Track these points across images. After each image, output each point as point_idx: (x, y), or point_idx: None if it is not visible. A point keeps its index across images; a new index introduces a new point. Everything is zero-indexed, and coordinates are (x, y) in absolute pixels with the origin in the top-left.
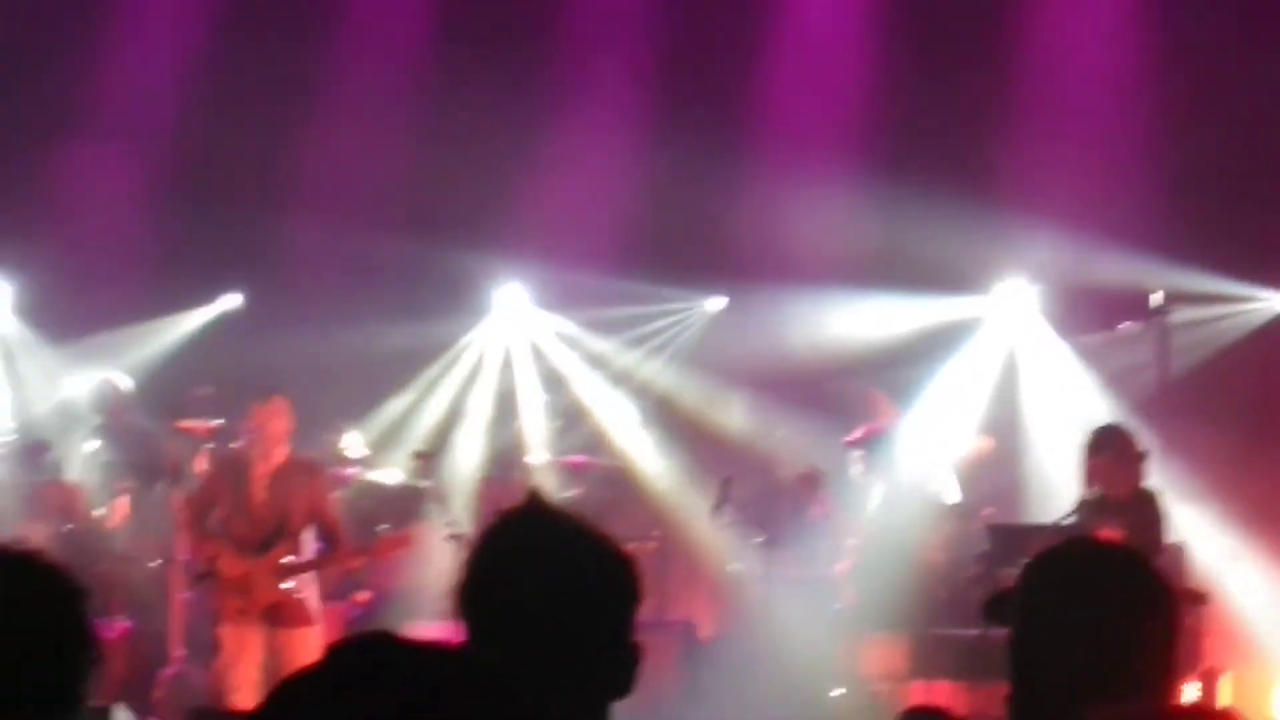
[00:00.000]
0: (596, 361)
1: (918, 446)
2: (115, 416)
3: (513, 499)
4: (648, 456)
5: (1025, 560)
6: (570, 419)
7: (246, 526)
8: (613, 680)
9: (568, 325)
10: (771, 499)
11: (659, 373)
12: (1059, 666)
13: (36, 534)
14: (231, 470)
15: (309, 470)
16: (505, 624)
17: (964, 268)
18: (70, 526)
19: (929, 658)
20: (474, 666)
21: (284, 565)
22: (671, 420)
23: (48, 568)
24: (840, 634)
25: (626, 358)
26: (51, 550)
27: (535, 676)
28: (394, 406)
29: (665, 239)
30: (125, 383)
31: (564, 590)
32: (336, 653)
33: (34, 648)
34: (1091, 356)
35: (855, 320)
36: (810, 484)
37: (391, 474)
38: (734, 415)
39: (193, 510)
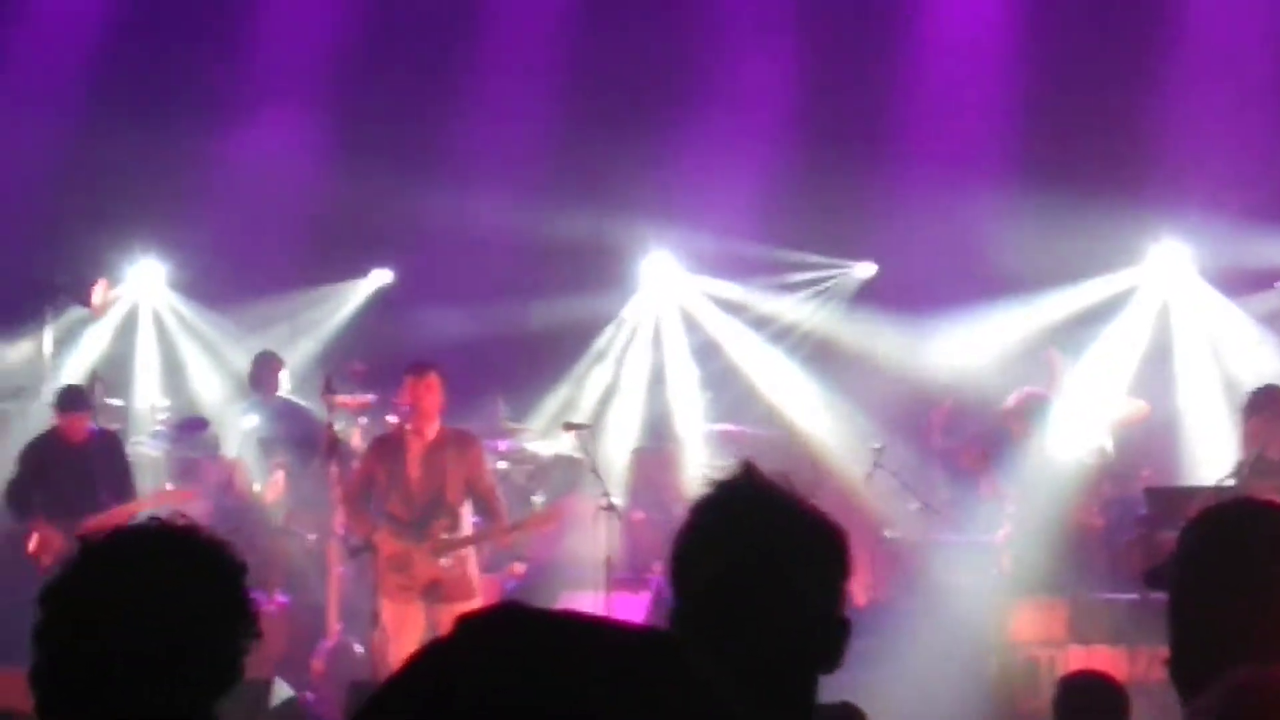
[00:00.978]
0: (751, 324)
1: (1074, 411)
2: (271, 392)
3: (665, 469)
4: (803, 422)
5: (1184, 522)
6: (723, 387)
7: (403, 502)
8: (822, 653)
9: (720, 288)
10: (928, 464)
11: (815, 326)
12: (1218, 628)
13: (195, 510)
14: (387, 446)
15: (463, 443)
16: (717, 596)
17: (1119, 240)
18: (228, 502)
19: (1088, 622)
20: (608, 636)
21: (442, 541)
22: (828, 372)
23: (208, 543)
24: (998, 599)
25: (781, 318)
26: (210, 526)
27: (747, 646)
28: (548, 379)
29: (811, 208)
30: (281, 359)
31: (778, 562)
32: (466, 624)
33: (195, 622)
34: (1248, 317)
35: (1012, 319)
36: (982, 462)
37: (546, 446)
38: (890, 348)
39: (350, 486)
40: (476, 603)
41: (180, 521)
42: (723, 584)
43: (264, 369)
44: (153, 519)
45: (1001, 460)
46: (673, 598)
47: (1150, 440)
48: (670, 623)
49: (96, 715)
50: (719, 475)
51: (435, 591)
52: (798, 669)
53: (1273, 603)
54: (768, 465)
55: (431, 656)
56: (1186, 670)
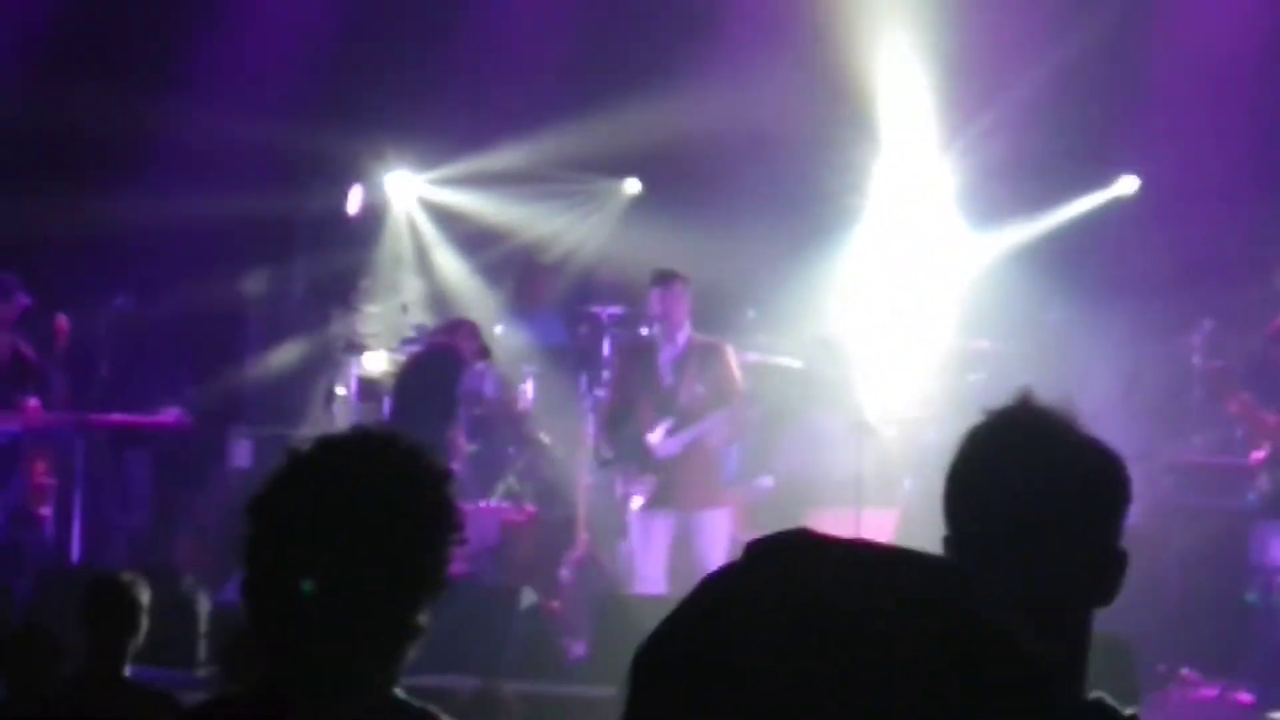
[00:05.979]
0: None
1: None
2: (535, 303)
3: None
4: (1054, 337)
5: None
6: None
7: (653, 411)
8: (1099, 586)
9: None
10: (1186, 385)
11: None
12: None
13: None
14: (637, 356)
15: (713, 352)
16: (993, 527)
17: None
18: (478, 411)
19: None
20: (902, 569)
21: (691, 447)
22: (1079, 286)
23: (410, 450)
24: (1253, 523)
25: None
26: (462, 435)
27: (1021, 579)
28: (802, 289)
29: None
30: (548, 269)
31: (1056, 490)
32: (757, 551)
33: (400, 531)
34: None
35: None
36: (1225, 380)
37: (798, 358)
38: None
39: (604, 402)
40: (725, 511)
41: (383, 431)
42: (999, 516)
43: (528, 280)
44: (356, 427)
45: (1261, 381)
46: (946, 525)
47: None
48: (944, 550)
49: (314, 625)
50: (997, 403)
51: (682, 498)
52: (1074, 603)
53: None
54: (1017, 380)
55: (721, 582)
56: None
